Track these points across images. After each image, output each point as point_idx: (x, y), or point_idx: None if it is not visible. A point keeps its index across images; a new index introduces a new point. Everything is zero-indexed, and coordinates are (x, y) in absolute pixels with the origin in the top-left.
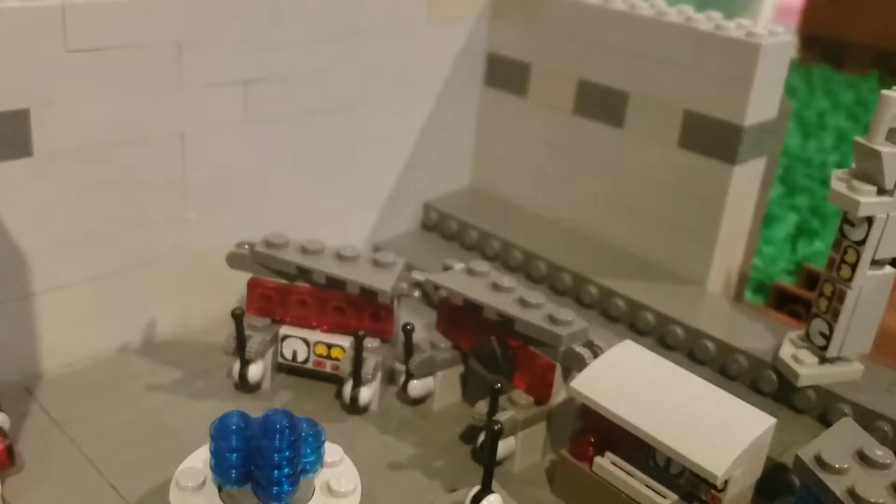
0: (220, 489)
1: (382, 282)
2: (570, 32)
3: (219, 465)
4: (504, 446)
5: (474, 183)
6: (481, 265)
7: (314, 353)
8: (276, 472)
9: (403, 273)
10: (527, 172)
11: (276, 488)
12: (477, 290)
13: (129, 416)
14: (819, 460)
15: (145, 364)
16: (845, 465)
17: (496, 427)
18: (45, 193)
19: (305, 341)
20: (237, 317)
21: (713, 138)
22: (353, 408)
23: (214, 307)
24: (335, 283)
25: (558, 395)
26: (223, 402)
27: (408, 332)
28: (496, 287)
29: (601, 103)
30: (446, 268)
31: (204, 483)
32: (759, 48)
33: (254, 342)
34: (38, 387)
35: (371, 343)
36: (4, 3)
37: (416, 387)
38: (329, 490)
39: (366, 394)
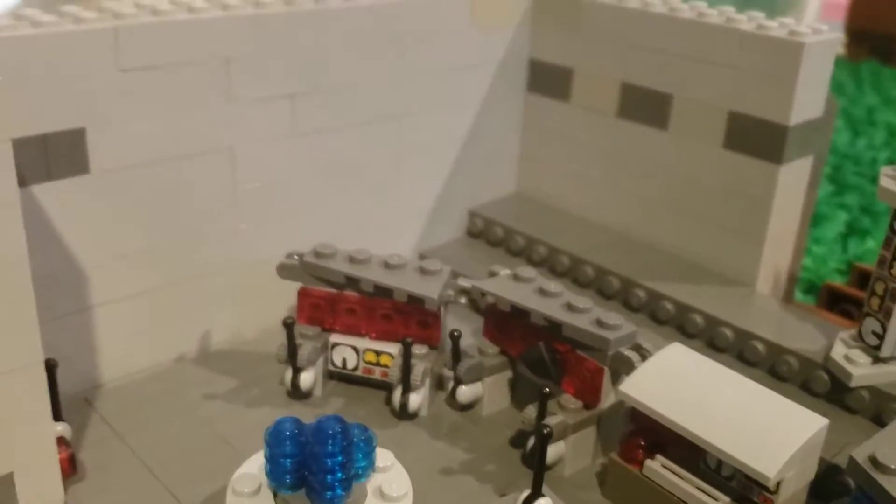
0: (275, 495)
1: (429, 289)
2: (612, 36)
3: (274, 471)
4: (554, 451)
5: (519, 189)
6: (528, 271)
7: (363, 360)
8: (329, 476)
9: (450, 280)
10: (572, 177)
11: (329, 493)
12: (524, 296)
13: (187, 425)
14: (874, 461)
15: (201, 373)
16: None
17: (545, 431)
18: (101, 209)
19: (355, 349)
20: (289, 326)
21: (758, 139)
22: (403, 414)
23: (267, 317)
24: (383, 292)
25: (607, 399)
26: (276, 410)
27: (455, 338)
28: (543, 292)
29: (645, 106)
30: (492, 274)
31: (259, 489)
32: (802, 47)
33: (304, 350)
34: (98, 397)
35: (419, 350)
36: (61, 27)
37: (465, 392)
38: (381, 494)
39: (415, 400)
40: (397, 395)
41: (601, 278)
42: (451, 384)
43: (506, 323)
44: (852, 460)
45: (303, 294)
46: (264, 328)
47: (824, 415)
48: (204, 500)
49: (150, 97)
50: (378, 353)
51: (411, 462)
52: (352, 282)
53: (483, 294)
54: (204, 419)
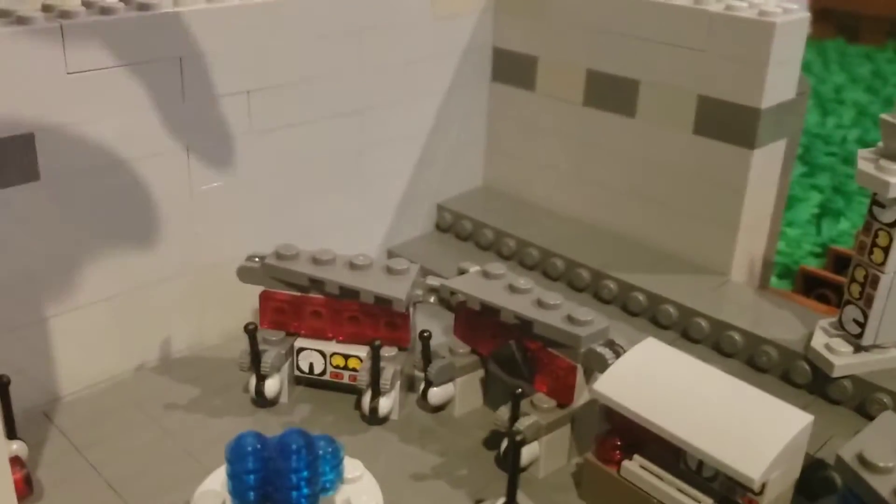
0: None
1: (397, 290)
2: (576, 22)
3: (236, 488)
4: (528, 452)
5: (487, 181)
6: (497, 267)
7: (331, 364)
8: (294, 493)
9: (418, 279)
10: (540, 168)
11: None
12: (493, 293)
13: (148, 437)
14: (862, 459)
15: (162, 383)
16: (890, 464)
17: (518, 438)
18: (54, 215)
19: (322, 353)
20: (250, 332)
21: (730, 123)
22: (374, 419)
23: (229, 322)
24: (349, 293)
25: (581, 397)
26: (241, 420)
27: (425, 339)
28: (513, 289)
29: (611, 93)
30: (461, 271)
31: None
32: (773, 27)
33: (269, 356)
34: (57, 411)
35: (388, 352)
36: (4, 28)
37: (436, 394)
38: None
39: (385, 404)
40: (367, 399)
41: (571, 271)
42: (421, 386)
43: (476, 321)
44: (840, 459)
45: (265, 298)
46: (228, 333)
47: (806, 406)
48: None
49: (100, 99)
50: (346, 357)
51: (382, 470)
52: (316, 284)
53: (452, 293)
54: (166, 431)
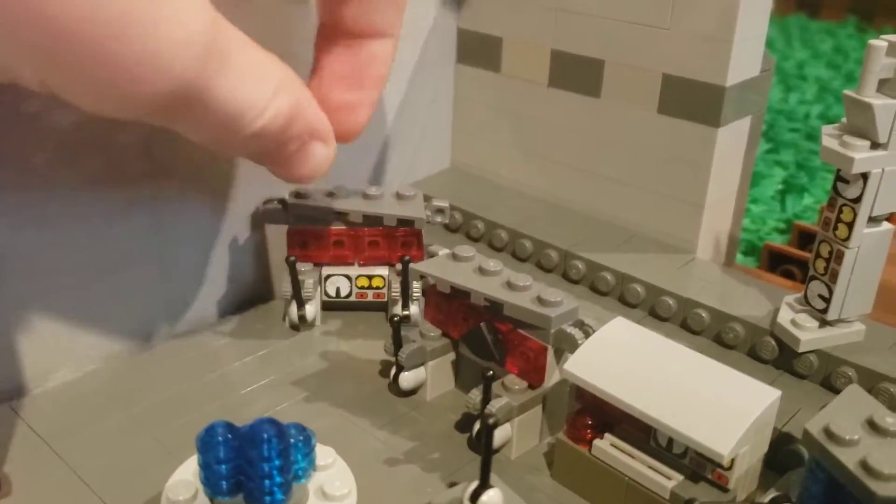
0: (212, 501)
1: (416, 211)
2: (540, 2)
3: (208, 478)
4: (500, 433)
5: (455, 163)
6: (466, 249)
7: (356, 286)
8: (266, 482)
9: (425, 203)
10: (507, 149)
11: (268, 498)
12: (463, 276)
13: (119, 428)
14: (828, 433)
15: (132, 373)
16: (856, 437)
17: (490, 421)
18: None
19: (347, 277)
20: (291, 263)
21: (695, 101)
22: (406, 324)
23: (198, 309)
24: (372, 220)
25: (552, 378)
26: (211, 408)
27: (396, 323)
28: (482, 271)
29: (576, 73)
30: (431, 254)
31: (196, 495)
32: (738, 3)
33: (308, 284)
34: (24, 405)
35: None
36: None
37: (408, 378)
38: (323, 494)
39: (414, 310)
40: (398, 308)
41: (540, 251)
42: (393, 371)
43: (447, 304)
44: (807, 433)
45: (292, 233)
46: (196, 320)
47: (773, 381)
48: None
49: None
50: (370, 278)
51: (354, 456)
52: (339, 215)
53: (422, 276)
54: (136, 421)
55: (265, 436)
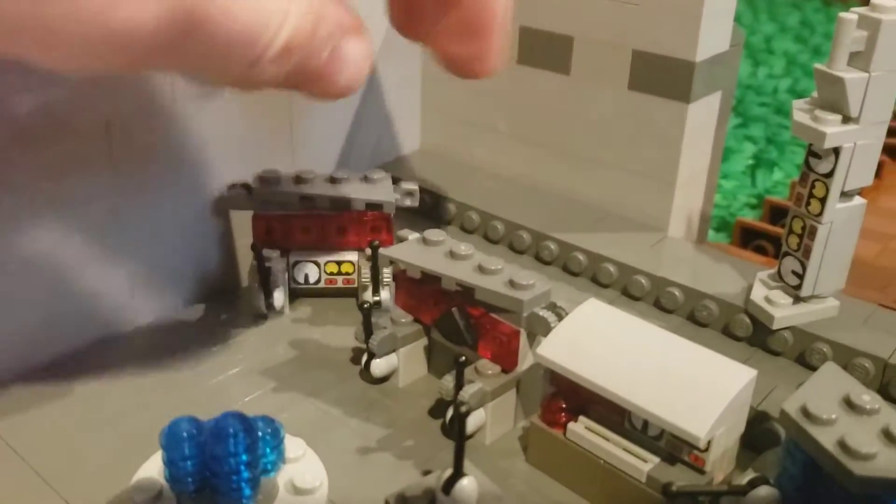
0: (178, 497)
1: (384, 194)
2: None
3: (173, 475)
4: (474, 419)
5: (424, 144)
6: (436, 233)
7: (325, 272)
8: (234, 477)
9: (393, 186)
10: (477, 129)
11: (236, 494)
12: (434, 261)
13: (81, 424)
14: (805, 412)
15: (94, 365)
16: (833, 416)
17: (463, 409)
18: None
19: (316, 263)
20: (257, 249)
21: (665, 77)
22: (377, 309)
23: (162, 301)
24: (340, 204)
25: (525, 362)
26: (178, 402)
27: (365, 311)
28: (453, 255)
29: (545, 50)
30: (400, 239)
31: (161, 493)
32: None
33: (276, 270)
34: None
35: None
36: None
37: (379, 365)
38: (293, 488)
39: (385, 295)
40: (368, 294)
41: (512, 233)
42: (364, 358)
43: (417, 290)
44: (784, 413)
45: (257, 220)
46: (161, 310)
47: (747, 359)
48: None
49: None
50: (339, 263)
51: (326, 446)
52: (306, 200)
53: (392, 262)
54: (100, 417)
55: (231, 430)
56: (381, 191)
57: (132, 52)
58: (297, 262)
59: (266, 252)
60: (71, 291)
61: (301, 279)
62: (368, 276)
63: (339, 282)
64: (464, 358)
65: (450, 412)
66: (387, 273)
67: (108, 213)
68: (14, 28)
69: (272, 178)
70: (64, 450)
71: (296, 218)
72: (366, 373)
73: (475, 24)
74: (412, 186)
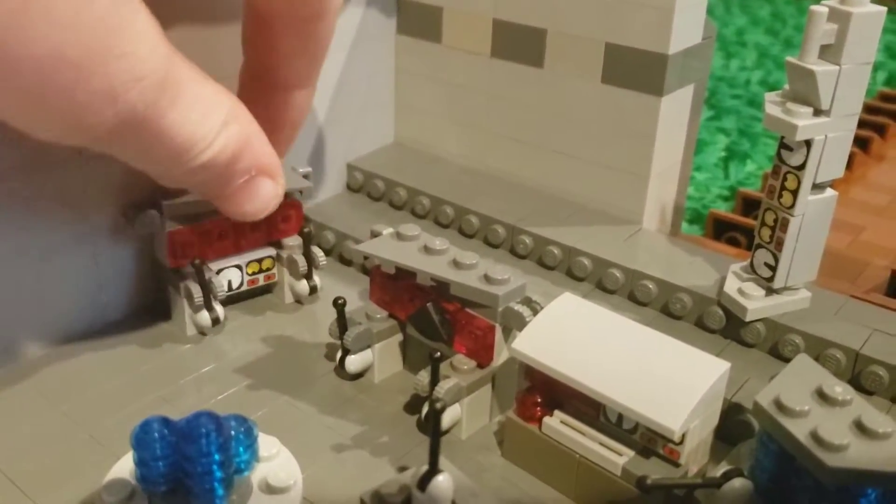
0: (150, 499)
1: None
2: None
3: (145, 476)
4: (450, 414)
5: (398, 138)
6: (411, 228)
7: (247, 273)
8: (206, 477)
9: (289, 172)
10: (450, 123)
11: (209, 494)
12: (408, 256)
13: (50, 425)
14: (778, 404)
15: (62, 365)
16: (805, 407)
17: (438, 406)
18: None
19: (238, 266)
20: (197, 266)
21: (638, 70)
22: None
23: (131, 296)
24: None
25: (500, 357)
26: (148, 400)
27: (340, 306)
28: (428, 250)
29: (519, 43)
30: (374, 234)
31: (133, 494)
32: None
33: (214, 284)
34: None
35: (291, 241)
36: None
37: (354, 361)
38: (267, 486)
39: (318, 279)
40: (302, 285)
41: (486, 227)
42: (338, 354)
43: (392, 285)
44: (757, 405)
45: (173, 236)
46: (129, 308)
47: (721, 351)
48: None
49: None
50: (259, 261)
51: (300, 444)
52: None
53: (366, 257)
54: (69, 418)
55: (203, 430)
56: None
57: (96, 136)
58: (220, 270)
59: (186, 269)
60: (36, 288)
61: (225, 286)
62: (299, 265)
63: (261, 280)
64: (439, 354)
65: (425, 408)
66: (322, 257)
67: (75, 210)
68: (15, 116)
69: (179, 190)
70: (33, 452)
71: (211, 226)
72: (341, 369)
73: (277, 124)
74: (306, 169)
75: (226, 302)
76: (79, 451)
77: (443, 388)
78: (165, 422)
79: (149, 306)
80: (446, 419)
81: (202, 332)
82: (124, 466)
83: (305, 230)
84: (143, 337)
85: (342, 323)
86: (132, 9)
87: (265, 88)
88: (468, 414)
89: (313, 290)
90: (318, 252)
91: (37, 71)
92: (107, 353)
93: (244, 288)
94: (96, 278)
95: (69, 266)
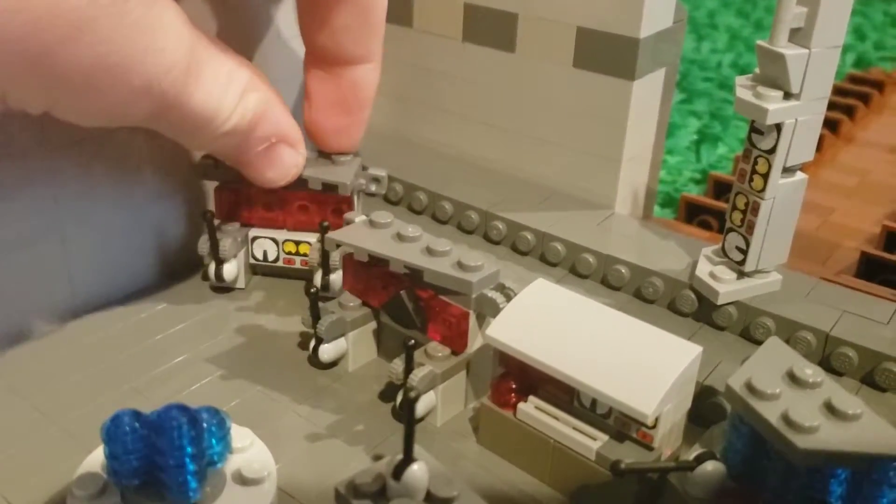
0: (122, 493)
1: (342, 176)
2: None
3: (116, 470)
4: (425, 401)
5: (369, 124)
6: (383, 216)
7: (283, 251)
8: (179, 471)
9: (360, 170)
10: (423, 108)
11: (182, 487)
12: (381, 244)
13: (20, 417)
14: (750, 387)
15: (32, 357)
16: (777, 390)
17: (412, 394)
18: None
19: (274, 240)
20: (208, 218)
21: (609, 54)
22: (326, 297)
23: (103, 289)
24: (298, 182)
25: (475, 344)
26: (120, 391)
27: (312, 295)
28: (401, 237)
29: (490, 28)
30: (347, 222)
31: (105, 488)
32: None
33: (226, 242)
34: None
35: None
36: None
37: (328, 350)
38: (241, 478)
39: (335, 279)
40: (318, 277)
41: (460, 213)
42: (312, 343)
43: (366, 273)
44: (729, 388)
45: (220, 191)
46: (103, 297)
47: (693, 334)
48: None
49: None
50: (297, 243)
51: (274, 435)
52: None
53: (338, 245)
54: (40, 410)
55: (175, 423)
56: (341, 172)
57: (134, 121)
58: (255, 238)
59: (225, 224)
60: (7, 277)
61: (260, 255)
62: (318, 259)
63: (297, 262)
64: (413, 341)
65: (400, 396)
66: (336, 257)
67: (47, 198)
68: (65, 112)
69: None
70: (1, 446)
71: (258, 193)
72: (314, 358)
73: (349, 103)
74: (380, 173)
75: (263, 271)
76: (49, 445)
77: (417, 375)
78: (136, 415)
79: (120, 297)
80: (421, 407)
81: (213, 287)
82: (95, 460)
83: (325, 224)
84: (114, 328)
85: (315, 312)
86: (161, 5)
87: (330, 69)
88: (443, 401)
89: (324, 288)
90: (333, 253)
91: (85, 78)
92: (76, 345)
93: (280, 264)
94: (65, 268)
95: (35, 257)
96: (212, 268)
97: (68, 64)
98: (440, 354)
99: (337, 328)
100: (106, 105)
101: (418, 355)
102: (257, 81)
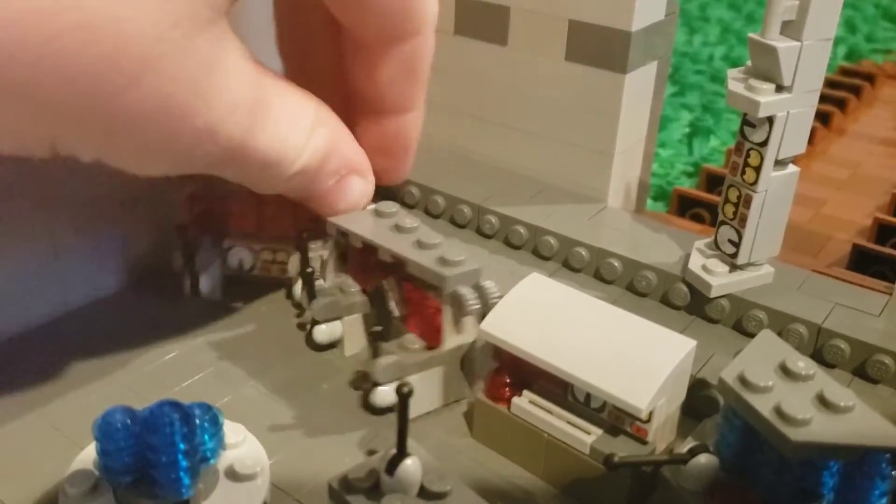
0: (115, 490)
1: None
2: None
3: (108, 467)
4: (386, 393)
5: None
6: (389, 205)
7: (260, 259)
8: (171, 467)
9: None
10: None
11: (174, 484)
12: (377, 232)
13: (12, 416)
14: (743, 380)
15: (24, 355)
16: (769, 383)
17: (405, 390)
18: None
19: (250, 249)
20: (181, 229)
21: (601, 47)
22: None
23: (94, 282)
24: None
25: (449, 340)
26: (112, 389)
27: (308, 275)
28: (398, 228)
29: (482, 21)
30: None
31: (97, 485)
32: None
33: (201, 254)
34: None
35: (312, 245)
36: None
37: (322, 331)
38: (234, 474)
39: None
40: (297, 288)
41: (452, 207)
42: (308, 325)
43: (366, 260)
44: (722, 381)
45: (192, 199)
46: (93, 295)
47: (686, 327)
48: (35, 502)
49: None
50: (274, 251)
51: (267, 430)
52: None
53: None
54: (31, 409)
55: (167, 419)
56: None
57: (198, 167)
58: (230, 248)
59: (198, 234)
60: None
61: (235, 265)
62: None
63: (274, 271)
64: (379, 328)
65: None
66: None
67: (35, 201)
68: (127, 161)
69: None
70: None
71: (234, 202)
72: (310, 339)
73: (393, 149)
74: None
75: (239, 280)
76: (41, 443)
77: (381, 363)
78: (128, 412)
79: (110, 296)
80: (385, 398)
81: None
82: (87, 457)
83: (304, 234)
84: (105, 325)
85: (310, 292)
86: (227, 41)
87: (373, 119)
88: (416, 393)
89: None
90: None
91: (147, 121)
92: (68, 342)
93: (256, 272)
94: (56, 269)
95: (28, 257)
96: (187, 280)
97: (132, 105)
98: (415, 347)
99: (330, 310)
100: (171, 150)
101: (391, 346)
102: (325, 114)
